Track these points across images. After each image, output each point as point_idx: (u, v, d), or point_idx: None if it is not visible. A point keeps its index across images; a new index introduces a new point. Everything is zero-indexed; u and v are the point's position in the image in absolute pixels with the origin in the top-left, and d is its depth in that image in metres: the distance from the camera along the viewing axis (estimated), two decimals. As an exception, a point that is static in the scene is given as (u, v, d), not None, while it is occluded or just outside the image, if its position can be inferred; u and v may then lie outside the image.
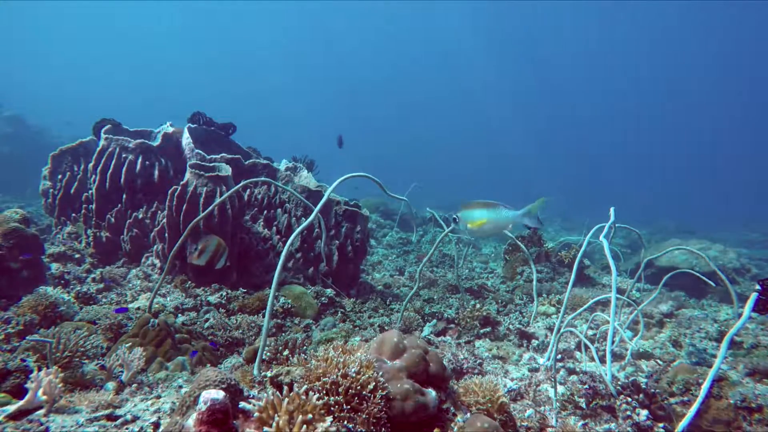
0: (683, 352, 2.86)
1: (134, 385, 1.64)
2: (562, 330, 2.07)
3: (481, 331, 2.92)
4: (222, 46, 42.57)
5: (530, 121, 45.16)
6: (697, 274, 2.72)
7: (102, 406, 1.41)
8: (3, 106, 9.81)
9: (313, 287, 3.25)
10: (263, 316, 2.61)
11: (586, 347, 2.68)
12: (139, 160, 3.43)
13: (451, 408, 1.46)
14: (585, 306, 2.37)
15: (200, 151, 3.50)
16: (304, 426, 1.01)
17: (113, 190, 3.42)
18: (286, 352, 1.85)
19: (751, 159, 35.46)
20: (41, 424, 1.26)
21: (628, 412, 1.78)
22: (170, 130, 3.70)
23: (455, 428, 1.34)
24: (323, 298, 3.12)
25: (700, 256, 2.59)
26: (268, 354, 1.87)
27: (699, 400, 1.53)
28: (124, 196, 3.43)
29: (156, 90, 43.39)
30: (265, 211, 3.64)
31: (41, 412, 1.33)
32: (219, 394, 1.06)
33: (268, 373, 1.54)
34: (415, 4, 29.18)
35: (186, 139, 3.61)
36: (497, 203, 2.03)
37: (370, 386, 1.22)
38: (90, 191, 3.50)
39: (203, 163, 3.10)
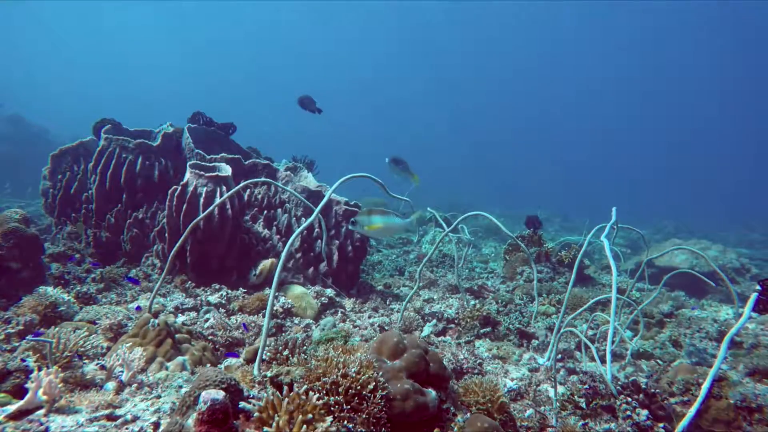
0: (683, 352, 2.86)
1: (134, 385, 1.64)
2: (562, 330, 2.07)
3: (481, 331, 2.92)
4: (224, 45, 42.59)
5: (531, 121, 45.17)
6: (698, 274, 2.72)
7: (102, 406, 1.41)
8: (3, 106, 9.81)
9: (313, 287, 3.25)
10: (263, 316, 2.61)
11: (586, 347, 2.68)
12: (139, 160, 3.42)
13: (451, 408, 1.46)
14: (585, 306, 2.37)
15: (200, 151, 3.50)
16: (304, 426, 1.02)
17: (113, 190, 3.42)
18: (286, 352, 1.85)
19: (752, 159, 35.47)
20: (41, 424, 1.26)
21: (628, 412, 1.78)
22: (170, 130, 3.70)
23: (455, 428, 1.34)
24: (323, 298, 3.12)
25: (700, 256, 2.59)
26: (268, 354, 1.87)
27: (699, 400, 1.53)
28: (124, 196, 3.43)
29: (156, 90, 43.40)
30: (265, 211, 3.63)
31: (41, 412, 1.33)
32: (219, 394, 1.06)
33: (268, 373, 1.54)
34: (407, 4, 29.34)
35: (186, 139, 3.61)
36: (390, 212, 2.44)
37: (370, 386, 1.22)
38: (90, 191, 3.50)
39: (203, 163, 3.10)
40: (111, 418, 1.35)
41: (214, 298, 2.82)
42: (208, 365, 2.03)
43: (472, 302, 3.36)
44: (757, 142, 35.34)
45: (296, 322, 2.78)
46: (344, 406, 1.19)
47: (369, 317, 3.08)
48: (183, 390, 1.64)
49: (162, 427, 1.31)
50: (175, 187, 2.97)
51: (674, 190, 29.62)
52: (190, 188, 2.94)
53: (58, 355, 1.65)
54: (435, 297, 3.64)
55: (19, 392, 1.43)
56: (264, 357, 1.79)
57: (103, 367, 1.73)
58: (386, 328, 2.86)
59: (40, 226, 4.15)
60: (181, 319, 2.54)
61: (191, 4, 34.50)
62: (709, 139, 39.10)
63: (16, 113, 9.71)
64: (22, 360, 1.58)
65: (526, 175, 34.20)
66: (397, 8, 30.46)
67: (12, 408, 1.31)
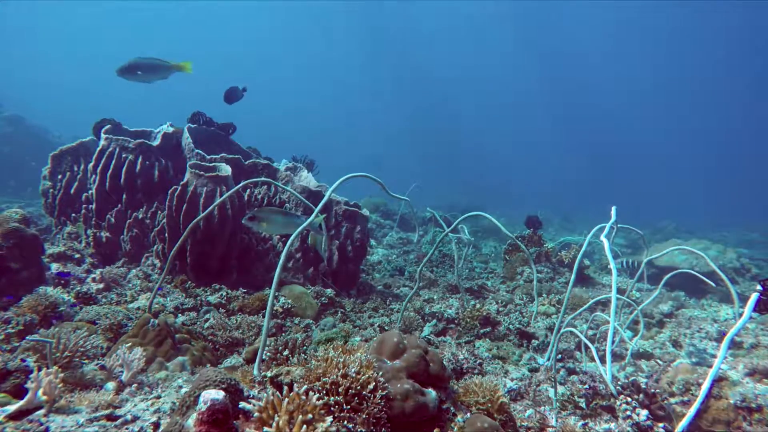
0: (683, 352, 2.86)
1: (134, 385, 1.64)
2: (562, 330, 2.07)
3: (481, 331, 2.92)
4: (223, 44, 42.56)
5: (532, 121, 45.16)
6: (698, 274, 2.72)
7: (102, 406, 1.41)
8: (3, 106, 9.81)
9: (313, 287, 3.25)
10: (263, 316, 2.61)
11: (586, 347, 2.68)
12: (139, 160, 3.42)
13: (451, 408, 1.46)
14: (585, 306, 2.37)
15: (200, 151, 3.50)
16: (304, 426, 1.02)
17: (113, 190, 3.42)
18: (286, 352, 1.84)
19: (752, 159, 35.46)
20: (41, 424, 1.26)
21: (628, 412, 1.77)
22: (170, 130, 3.70)
23: (455, 428, 1.34)
24: (323, 298, 3.12)
25: (700, 256, 2.59)
26: (268, 354, 1.87)
27: (699, 400, 1.53)
28: (124, 196, 3.43)
29: (157, 89, 43.39)
30: (265, 211, 3.64)
31: (41, 412, 1.33)
32: (219, 394, 1.06)
33: (268, 373, 1.54)
34: (405, 4, 29.38)
35: (186, 139, 3.61)
36: (291, 212, 2.45)
37: (370, 386, 1.23)
38: (90, 191, 3.50)
39: (203, 163, 3.10)
40: (111, 418, 1.35)
41: (213, 298, 2.82)
42: (208, 365, 2.03)
43: (472, 302, 3.36)
44: (758, 142, 35.31)
45: (296, 322, 2.78)
46: (344, 406, 1.19)
47: (369, 317, 3.08)
48: (183, 390, 1.64)
49: (162, 427, 1.31)
50: (175, 187, 2.97)
51: (675, 190, 29.60)
52: (190, 188, 2.94)
53: (58, 355, 1.65)
54: (435, 297, 3.64)
55: (19, 392, 1.43)
56: (264, 357, 1.79)
57: (103, 367, 1.73)
58: (386, 328, 2.86)
59: (40, 226, 4.15)
60: (181, 319, 2.54)
61: (194, 4, 34.52)
62: (709, 138, 39.10)
63: (16, 113, 9.70)
64: (22, 360, 1.58)
65: (526, 176, 34.21)
66: (393, 9, 30.53)
67: (12, 408, 1.31)
